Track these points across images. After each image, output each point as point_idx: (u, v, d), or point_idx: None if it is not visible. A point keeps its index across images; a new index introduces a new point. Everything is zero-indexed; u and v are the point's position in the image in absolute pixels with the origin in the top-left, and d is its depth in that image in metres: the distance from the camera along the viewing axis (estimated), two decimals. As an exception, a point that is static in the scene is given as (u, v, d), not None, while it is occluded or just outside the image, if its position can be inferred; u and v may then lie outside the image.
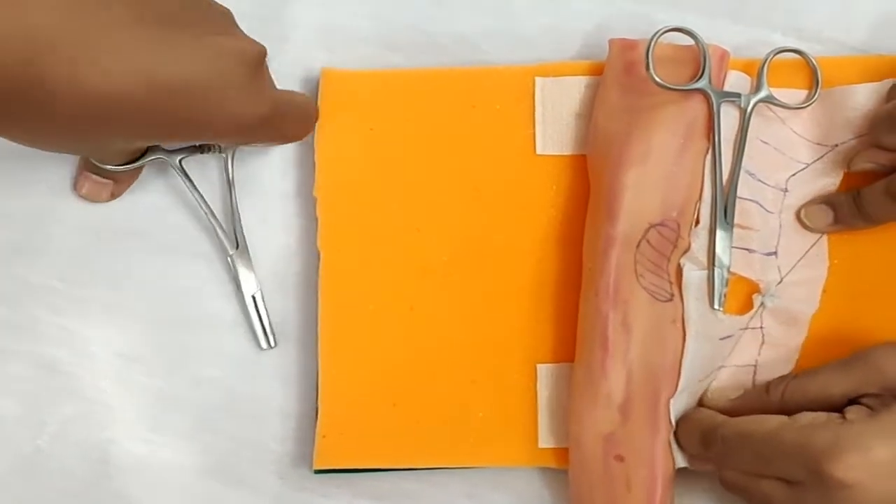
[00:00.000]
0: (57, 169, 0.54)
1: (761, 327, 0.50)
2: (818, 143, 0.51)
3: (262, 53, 0.45)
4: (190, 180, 0.53)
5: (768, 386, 0.47)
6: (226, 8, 0.46)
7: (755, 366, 0.50)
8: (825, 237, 0.51)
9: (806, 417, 0.44)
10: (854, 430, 0.41)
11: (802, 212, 0.50)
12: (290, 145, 0.54)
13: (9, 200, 0.54)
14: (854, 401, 0.44)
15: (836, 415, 0.43)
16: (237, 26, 0.46)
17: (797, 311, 0.50)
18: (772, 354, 0.50)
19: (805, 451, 0.42)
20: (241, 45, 0.44)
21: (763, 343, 0.50)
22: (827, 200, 0.50)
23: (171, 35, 0.41)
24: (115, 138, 0.44)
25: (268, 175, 0.54)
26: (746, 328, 0.49)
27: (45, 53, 0.37)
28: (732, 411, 0.47)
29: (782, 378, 0.47)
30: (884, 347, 0.45)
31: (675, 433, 0.47)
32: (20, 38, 0.37)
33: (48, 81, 0.38)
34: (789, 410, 0.45)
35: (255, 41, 0.46)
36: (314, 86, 0.54)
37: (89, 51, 0.38)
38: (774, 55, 0.51)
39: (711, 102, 0.49)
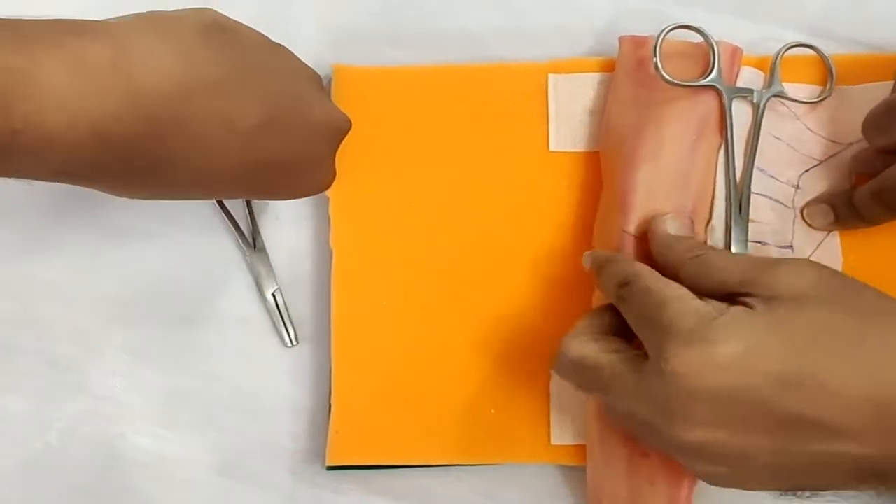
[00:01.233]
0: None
1: None
2: (832, 141, 0.51)
3: (346, 128, 0.47)
4: None
5: (684, 248, 0.45)
6: (314, 72, 0.47)
7: None
8: (838, 237, 0.51)
9: (694, 304, 0.41)
10: (711, 327, 0.39)
11: (805, 211, 0.50)
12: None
13: (18, 197, 0.54)
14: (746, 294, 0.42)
15: (719, 306, 0.41)
16: (324, 90, 0.47)
17: None
18: None
19: (664, 332, 0.40)
20: (332, 120, 0.46)
21: None
22: (828, 200, 0.50)
23: (277, 115, 0.42)
24: (210, 196, 0.47)
25: (279, 172, 0.54)
26: None
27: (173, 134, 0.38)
28: (655, 255, 0.46)
29: (698, 247, 0.45)
30: (796, 264, 0.42)
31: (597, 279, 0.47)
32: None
33: (174, 159, 0.39)
34: (690, 279, 0.43)
35: (339, 111, 0.47)
36: (324, 84, 0.53)
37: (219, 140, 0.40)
38: (787, 50, 0.51)
39: (723, 98, 0.49)
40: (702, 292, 0.42)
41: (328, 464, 0.50)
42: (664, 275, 0.43)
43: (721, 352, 0.39)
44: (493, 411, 0.50)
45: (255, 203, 0.54)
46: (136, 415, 0.52)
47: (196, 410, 0.52)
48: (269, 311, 0.52)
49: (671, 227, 0.46)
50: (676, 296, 0.41)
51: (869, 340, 0.39)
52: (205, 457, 0.52)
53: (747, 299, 0.41)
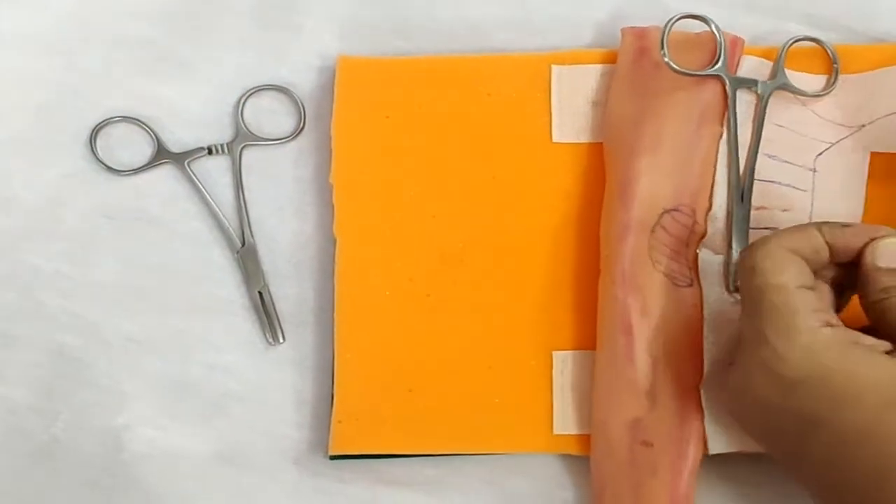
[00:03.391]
0: (67, 154, 0.54)
1: None
2: (841, 125, 0.51)
3: None
4: (198, 181, 0.53)
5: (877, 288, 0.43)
6: None
7: None
8: (860, 215, 0.50)
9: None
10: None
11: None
12: (306, 133, 0.54)
13: (19, 185, 0.54)
14: None
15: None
16: None
17: None
18: None
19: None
20: None
21: None
22: None
23: None
24: None
25: (284, 162, 0.54)
26: None
27: None
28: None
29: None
30: None
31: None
32: None
33: None
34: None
35: None
36: (329, 74, 0.54)
37: None
38: (793, 43, 0.51)
39: (727, 88, 0.49)
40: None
41: (331, 453, 0.50)
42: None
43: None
44: (496, 400, 0.50)
45: (255, 192, 0.54)
46: (140, 405, 0.52)
47: (200, 400, 0.52)
48: (255, 308, 0.53)
49: (881, 258, 0.43)
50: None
51: None
52: (209, 447, 0.52)
53: None
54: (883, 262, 0.43)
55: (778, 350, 0.41)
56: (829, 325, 0.41)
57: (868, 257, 0.43)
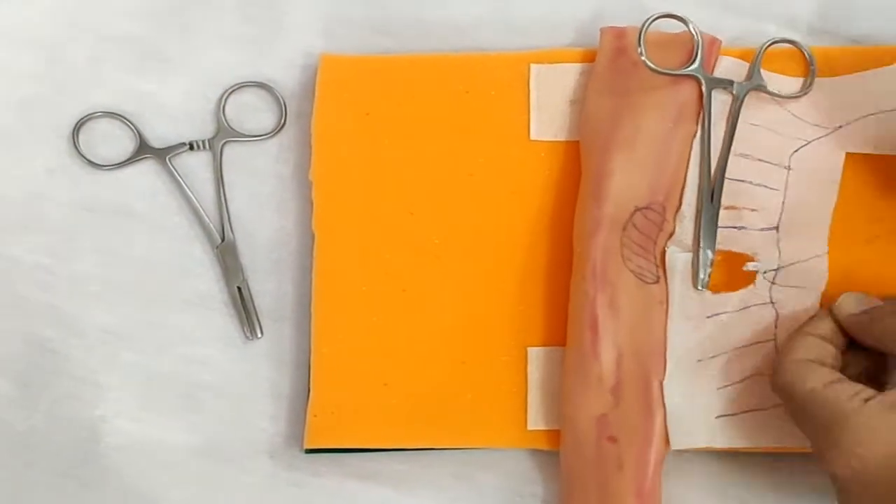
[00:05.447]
0: (50, 148, 0.55)
1: (772, 302, 0.49)
2: (817, 125, 0.51)
3: None
4: (179, 177, 0.54)
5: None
6: None
7: (774, 340, 0.49)
8: (830, 217, 0.50)
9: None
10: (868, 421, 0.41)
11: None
12: (287, 130, 0.55)
13: (0, 178, 0.54)
14: None
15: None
16: None
17: (803, 281, 0.49)
18: (789, 327, 0.48)
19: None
20: None
21: (778, 317, 0.49)
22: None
23: None
24: None
25: (265, 158, 0.55)
26: (752, 305, 0.49)
27: None
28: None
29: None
30: None
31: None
32: None
33: None
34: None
35: None
36: (311, 71, 0.54)
37: None
38: (770, 45, 0.51)
39: (703, 88, 0.50)
40: None
41: (306, 447, 0.50)
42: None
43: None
44: (470, 396, 0.51)
45: (235, 188, 0.54)
46: (117, 397, 0.53)
47: (177, 393, 0.53)
48: (233, 303, 0.53)
49: (852, 306, 0.46)
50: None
51: None
52: (185, 439, 0.52)
53: None
54: (845, 311, 0.46)
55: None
56: (869, 398, 0.42)
57: (837, 314, 0.46)
